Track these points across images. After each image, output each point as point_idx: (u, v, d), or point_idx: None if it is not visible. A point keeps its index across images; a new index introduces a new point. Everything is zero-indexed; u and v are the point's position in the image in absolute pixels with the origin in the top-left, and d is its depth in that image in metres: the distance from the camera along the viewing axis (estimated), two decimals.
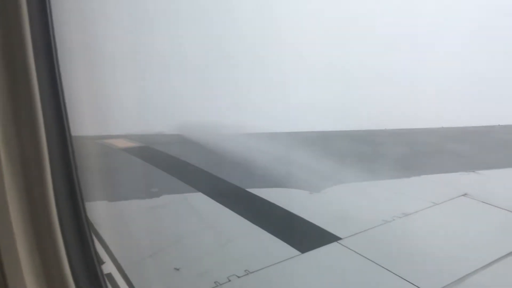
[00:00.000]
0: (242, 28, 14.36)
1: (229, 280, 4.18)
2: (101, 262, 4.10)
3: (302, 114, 12.25)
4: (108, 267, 4.24)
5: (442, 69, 15.50)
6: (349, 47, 15.66)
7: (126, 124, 10.23)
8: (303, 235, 5.35)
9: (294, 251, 4.79)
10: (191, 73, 13.18)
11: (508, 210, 5.96)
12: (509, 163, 8.57)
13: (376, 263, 4.54)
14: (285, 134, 11.25)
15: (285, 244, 4.97)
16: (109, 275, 4.10)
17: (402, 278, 4.25)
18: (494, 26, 16.01)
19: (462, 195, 6.58)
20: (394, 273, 4.33)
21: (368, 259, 4.63)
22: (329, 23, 15.55)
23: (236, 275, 4.26)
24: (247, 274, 4.31)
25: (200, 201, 6.45)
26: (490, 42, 16.36)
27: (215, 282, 4.13)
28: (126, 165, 8.55)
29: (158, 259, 4.68)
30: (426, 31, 16.19)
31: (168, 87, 12.38)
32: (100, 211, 5.35)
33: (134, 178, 7.65)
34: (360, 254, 4.73)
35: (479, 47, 16.26)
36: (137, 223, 5.86)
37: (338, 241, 5.03)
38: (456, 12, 16.90)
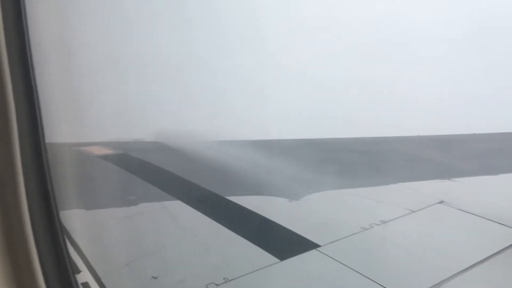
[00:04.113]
0: (221, 35, 14.37)
1: None
2: (76, 271, 4.02)
3: (281, 122, 12.29)
4: (85, 276, 4.15)
5: (418, 78, 15.75)
6: (328, 55, 15.79)
7: (102, 131, 10.10)
8: (282, 242, 5.34)
9: (273, 259, 4.77)
10: (169, 80, 13.12)
11: (483, 217, 6.07)
12: (484, 171, 8.74)
13: (354, 270, 4.55)
14: (264, 141, 11.26)
15: (264, 251, 4.95)
16: (86, 284, 4.01)
17: (380, 285, 4.27)
18: (473, 38, 16.36)
19: (439, 203, 6.66)
20: (372, 280, 4.35)
21: (347, 266, 4.64)
22: (309, 31, 15.67)
23: (215, 283, 4.22)
24: (226, 282, 4.27)
25: (179, 209, 6.39)
26: (467, 52, 16.69)
27: None
28: (103, 173, 8.42)
29: (136, 268, 4.61)
30: (404, 40, 16.44)
31: (146, 94, 12.28)
32: (76, 220, 5.26)
33: (111, 186, 7.53)
34: (339, 262, 4.74)
35: (456, 57, 16.58)
36: (114, 231, 5.77)
37: (317, 249, 5.03)
38: (435, 22, 17.20)
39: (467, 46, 16.80)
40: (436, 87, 15.59)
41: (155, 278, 4.33)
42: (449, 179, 7.94)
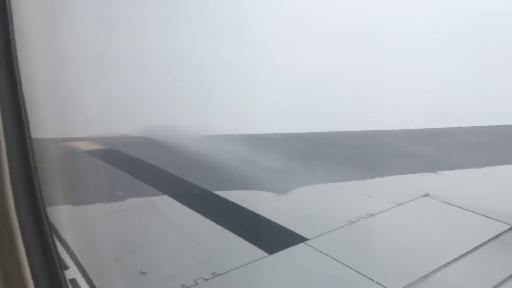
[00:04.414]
0: (209, 30, 14.32)
1: (196, 283, 4.15)
2: (64, 267, 4.00)
3: (268, 116, 12.31)
4: (73, 272, 4.14)
5: (404, 72, 15.87)
6: (315, 50, 15.83)
7: (89, 126, 10.02)
8: (270, 236, 5.36)
9: (261, 253, 4.80)
10: (156, 74, 13.05)
11: (468, 210, 6.15)
12: (469, 164, 8.85)
13: (342, 263, 4.60)
14: (252, 136, 11.26)
15: (252, 245, 4.97)
16: (73, 281, 4.00)
17: (367, 277, 4.32)
18: (461, 33, 16.50)
19: (424, 196, 6.74)
20: (360, 273, 4.40)
21: (334, 259, 4.69)
22: (298, 26, 15.69)
23: (204, 278, 4.24)
24: (215, 276, 4.28)
25: (166, 204, 6.37)
26: (453, 47, 16.85)
27: (182, 286, 4.10)
28: (90, 168, 8.36)
29: (124, 263, 4.60)
30: (392, 35, 16.53)
31: (133, 88, 12.20)
32: (63, 216, 5.22)
33: (98, 181, 7.48)
34: (326, 255, 4.78)
35: (440, 51, 16.73)
36: (102, 227, 5.74)
37: (305, 242, 5.07)
38: (423, 17, 17.32)
39: (454, 41, 16.96)
40: (421, 81, 15.74)
41: (144, 273, 4.33)
42: (435, 172, 8.02)
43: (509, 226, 5.59)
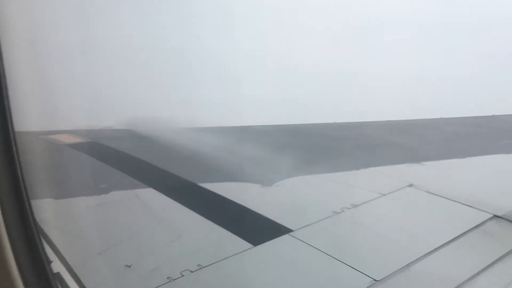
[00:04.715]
0: (193, 22, 14.22)
1: (182, 275, 4.15)
2: (49, 261, 3.97)
3: (253, 108, 12.30)
4: (56, 267, 4.10)
5: (387, 64, 15.96)
6: (299, 41, 15.83)
7: (72, 119, 9.91)
8: (255, 228, 5.38)
9: (246, 244, 4.81)
10: (140, 66, 12.93)
11: (451, 200, 6.25)
12: (451, 154, 8.97)
13: (327, 254, 4.63)
14: (236, 128, 11.25)
15: (237, 237, 4.98)
16: (58, 275, 3.96)
17: (352, 267, 4.36)
18: (443, 23, 16.63)
19: (408, 186, 6.82)
20: (344, 263, 4.45)
21: (319, 250, 4.72)
22: (281, 16, 15.66)
23: (189, 270, 4.24)
24: (200, 268, 4.29)
25: (151, 196, 6.35)
26: (434, 40, 16.99)
27: (168, 278, 4.09)
28: (73, 161, 8.29)
29: (109, 257, 4.58)
30: (373, 26, 16.60)
31: (116, 81, 12.08)
32: (46, 209, 5.17)
33: (82, 174, 7.42)
34: (311, 245, 4.81)
35: (423, 42, 16.85)
36: (86, 220, 5.70)
37: (290, 233, 5.09)
38: (403, 9, 17.42)
39: (436, 31, 17.10)
40: (404, 72, 15.85)
41: (129, 266, 4.31)
42: (418, 163, 8.12)
43: (490, 215, 5.69)
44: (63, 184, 6.69)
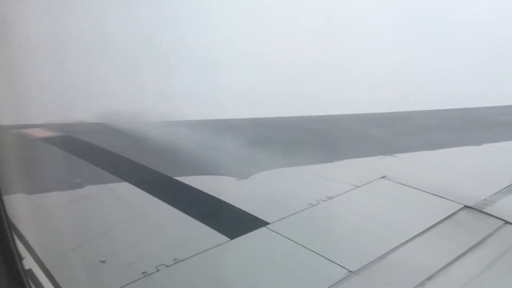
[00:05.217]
0: (169, 13, 14.07)
1: (158, 270, 4.13)
2: (21, 258, 3.90)
3: (229, 101, 12.28)
4: (28, 263, 4.03)
5: (364, 58, 16.12)
6: (278, 33, 15.83)
7: (44, 113, 9.72)
8: (232, 221, 5.39)
9: (223, 238, 4.81)
10: (114, 59, 12.75)
11: (423, 191, 6.37)
12: (423, 147, 9.12)
13: (303, 246, 4.67)
14: (212, 121, 11.22)
15: (214, 231, 4.98)
16: (29, 271, 3.90)
17: (328, 259, 4.41)
18: (418, 16, 16.84)
19: (381, 178, 6.92)
20: (320, 255, 4.49)
21: (295, 242, 4.76)
22: (259, 8, 15.62)
23: (165, 264, 4.22)
24: (176, 262, 4.28)
25: (126, 190, 6.28)
26: (406, 34, 17.20)
27: (143, 273, 4.07)
28: (45, 156, 8.13)
29: (82, 252, 4.52)
30: (349, 20, 16.71)
31: (89, 73, 11.89)
32: (18, 205, 5.07)
33: (55, 169, 7.29)
34: (287, 238, 4.85)
35: (397, 35, 17.05)
36: (59, 215, 5.61)
37: (266, 226, 5.12)
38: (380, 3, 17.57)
39: (410, 24, 17.31)
40: (378, 65, 16.03)
41: (103, 262, 4.27)
42: (391, 155, 8.24)
43: (461, 206, 5.82)
44: (36, 179, 6.56)
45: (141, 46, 13.22)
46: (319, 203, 5.84)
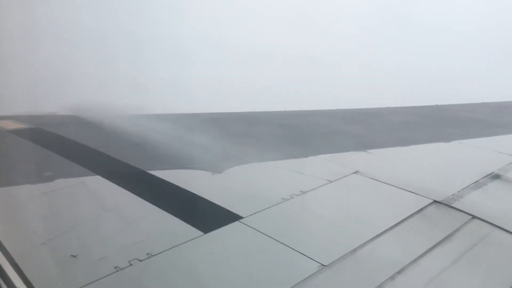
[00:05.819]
0: (144, 5, 13.91)
1: (131, 264, 4.10)
2: None
3: (203, 95, 12.22)
4: None
5: (336, 53, 16.24)
6: (254, 27, 15.81)
7: (13, 104, 9.50)
8: (206, 215, 5.38)
9: (196, 232, 4.81)
10: (87, 50, 12.54)
11: (394, 186, 6.48)
12: (396, 143, 9.27)
13: (276, 240, 4.71)
14: (187, 115, 11.15)
15: (187, 225, 4.96)
16: None
17: (301, 253, 4.46)
18: (393, 12, 17.05)
19: (354, 173, 7.01)
20: (293, 249, 4.53)
21: (268, 236, 4.79)
22: (235, 1, 15.57)
23: (138, 259, 4.19)
24: (149, 257, 4.25)
25: (98, 184, 6.20)
26: (381, 30, 17.41)
27: (115, 267, 4.03)
28: (15, 148, 7.95)
29: (53, 247, 4.45)
30: (326, 15, 16.80)
31: (61, 64, 11.66)
32: None
33: (24, 162, 7.14)
34: (260, 232, 4.87)
35: (371, 34, 17.24)
36: (29, 209, 5.51)
37: (240, 220, 5.13)
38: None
39: (385, 20, 17.52)
40: (352, 61, 16.19)
41: (74, 256, 4.21)
42: (364, 150, 8.35)
43: (430, 201, 5.95)
44: (6, 172, 6.42)
45: (114, 38, 13.01)
46: (292, 197, 5.88)
